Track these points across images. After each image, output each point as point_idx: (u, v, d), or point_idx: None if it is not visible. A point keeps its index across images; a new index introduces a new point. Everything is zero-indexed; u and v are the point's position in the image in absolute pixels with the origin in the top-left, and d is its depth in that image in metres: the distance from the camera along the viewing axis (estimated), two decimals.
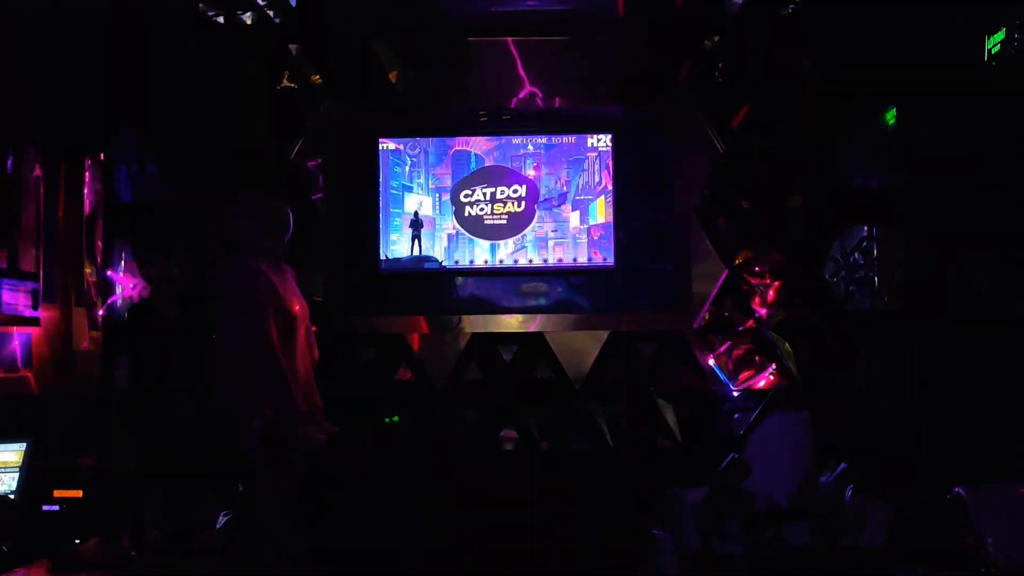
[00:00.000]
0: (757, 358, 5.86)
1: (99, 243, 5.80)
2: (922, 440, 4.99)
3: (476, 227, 6.17)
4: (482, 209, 6.17)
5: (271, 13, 5.86)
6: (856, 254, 5.86)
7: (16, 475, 4.19)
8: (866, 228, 5.86)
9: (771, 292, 5.90)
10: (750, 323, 5.89)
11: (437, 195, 6.20)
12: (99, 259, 5.78)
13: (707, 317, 5.93)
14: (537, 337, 5.97)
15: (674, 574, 2.96)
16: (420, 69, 6.13)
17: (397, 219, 6.18)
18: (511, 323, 6.07)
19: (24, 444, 4.29)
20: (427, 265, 6.15)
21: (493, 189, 6.17)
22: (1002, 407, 4.72)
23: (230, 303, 4.02)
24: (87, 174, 5.79)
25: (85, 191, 5.78)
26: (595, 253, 6.12)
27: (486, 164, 6.20)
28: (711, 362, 5.87)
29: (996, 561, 3.41)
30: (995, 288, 5.21)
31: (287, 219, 4.15)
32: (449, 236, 6.18)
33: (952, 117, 5.42)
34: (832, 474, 3.10)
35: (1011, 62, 5.08)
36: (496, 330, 6.04)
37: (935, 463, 4.78)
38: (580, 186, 6.15)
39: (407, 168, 6.22)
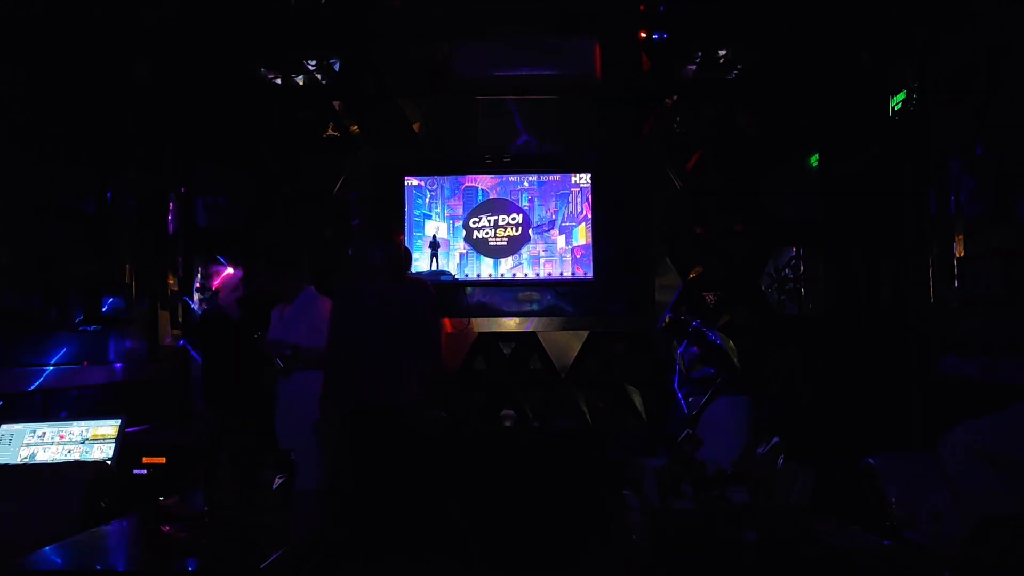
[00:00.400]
0: (707, 353, 5.91)
1: (180, 259, 5.83)
2: (838, 419, 5.04)
3: (482, 247, 6.21)
4: (487, 233, 6.20)
5: (319, 76, 5.92)
6: (786, 270, 5.90)
7: (113, 445, 4.16)
8: (794, 249, 5.90)
9: (718, 300, 5.96)
10: (701, 325, 5.94)
11: (451, 222, 6.24)
12: (180, 272, 5.81)
13: (667, 320, 5.92)
14: (531, 336, 6.02)
15: (640, 526, 2.99)
16: (438, 121, 6.21)
17: (419, 240, 6.21)
18: (510, 324, 6.11)
19: (119, 420, 4.27)
20: (443, 278, 6.17)
21: (496, 217, 6.20)
22: (898, 392, 4.77)
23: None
24: (171, 204, 5.82)
25: (169, 217, 5.81)
26: (577, 268, 6.15)
27: (490, 197, 6.24)
28: (671, 356, 5.89)
29: (896, 514, 3.44)
30: (895, 297, 5.27)
31: (390, 253, 3.91)
32: (461, 255, 6.22)
33: (860, 162, 5.49)
34: (767, 446, 3.12)
35: (910, 116, 5.13)
36: (498, 330, 6.10)
37: (849, 437, 4.82)
38: (565, 215, 6.19)
39: (427, 200, 6.25)
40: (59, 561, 2.56)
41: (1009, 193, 4.09)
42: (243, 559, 2.57)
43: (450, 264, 6.21)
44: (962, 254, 4.65)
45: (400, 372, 3.70)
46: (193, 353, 5.73)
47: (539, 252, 6.20)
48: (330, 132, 6.08)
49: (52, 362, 4.53)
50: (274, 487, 3.33)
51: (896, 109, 5.25)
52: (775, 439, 3.15)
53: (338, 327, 3.75)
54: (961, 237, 4.66)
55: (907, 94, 5.15)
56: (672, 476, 2.95)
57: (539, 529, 5.03)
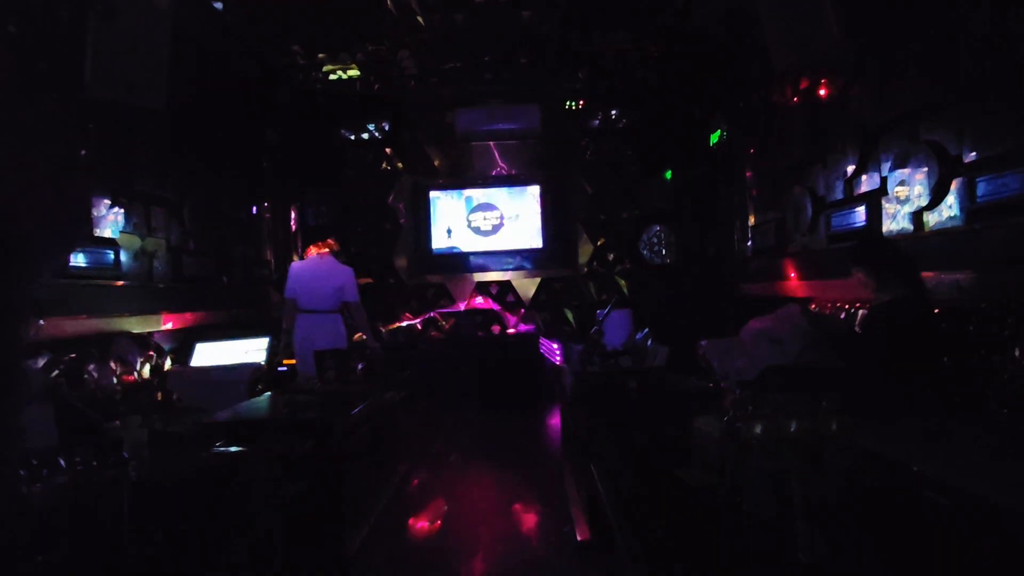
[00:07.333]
0: (608, 286, 5.93)
1: (299, 244, 5.73)
2: (683, 318, 5.08)
3: (477, 232, 6.08)
4: (480, 223, 6.07)
5: (377, 134, 5.77)
6: (654, 238, 5.89)
7: (265, 353, 4.15)
8: (658, 226, 5.89)
9: (614, 257, 5.94)
10: (604, 271, 5.95)
11: (458, 217, 6.10)
12: (300, 252, 5.70)
13: (586, 270, 5.97)
14: (507, 282, 5.98)
15: (569, 381, 3.00)
16: (448, 158, 6.06)
17: (439, 229, 6.10)
18: (495, 275, 6.03)
19: (268, 338, 4.25)
20: (454, 250, 6.07)
21: (485, 213, 6.08)
22: (717, 304, 4.81)
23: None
24: (293, 212, 5.70)
25: (292, 221, 5.70)
26: (534, 242, 6.07)
27: (481, 201, 6.12)
28: (588, 290, 5.91)
29: (716, 371, 3.45)
30: (715, 251, 5.29)
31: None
32: (466, 236, 6.11)
33: (695, 174, 5.47)
34: (641, 334, 3.13)
35: (722, 147, 5.10)
36: (488, 279, 6.01)
37: (689, 329, 4.86)
38: (526, 210, 6.07)
39: (444, 204, 6.14)
40: (231, 414, 2.54)
41: (778, 189, 4.09)
42: (341, 409, 2.57)
43: (460, 242, 6.09)
44: (753, 223, 4.66)
45: None
46: None
47: (511, 232, 6.08)
48: (384, 167, 5.94)
49: (226, 305, 4.45)
50: (358, 370, 3.30)
51: (714, 143, 5.22)
52: (646, 330, 3.16)
53: None
54: (752, 215, 4.67)
55: (720, 133, 5.11)
56: (588, 352, 2.95)
57: (518, 384, 5.07)
